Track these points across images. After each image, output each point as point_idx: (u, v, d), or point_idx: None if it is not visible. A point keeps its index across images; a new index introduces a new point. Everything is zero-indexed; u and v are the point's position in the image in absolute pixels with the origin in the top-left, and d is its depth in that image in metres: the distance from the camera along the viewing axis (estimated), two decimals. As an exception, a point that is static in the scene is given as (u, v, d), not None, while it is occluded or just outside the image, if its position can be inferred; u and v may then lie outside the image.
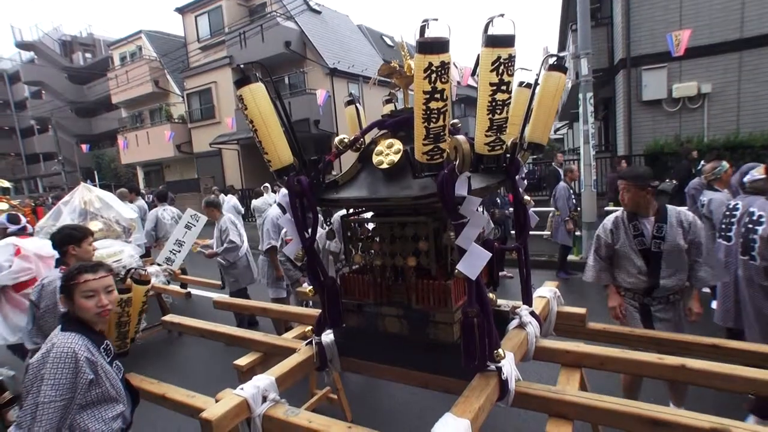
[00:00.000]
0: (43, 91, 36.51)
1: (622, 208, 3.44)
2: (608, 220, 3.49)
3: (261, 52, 19.66)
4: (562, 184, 7.79)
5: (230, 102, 21.34)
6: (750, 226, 3.35)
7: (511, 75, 1.57)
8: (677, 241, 3.17)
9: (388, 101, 2.33)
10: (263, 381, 1.99)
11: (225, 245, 5.84)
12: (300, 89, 20.32)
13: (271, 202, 9.55)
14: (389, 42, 29.90)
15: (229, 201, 12.84)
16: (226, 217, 6.03)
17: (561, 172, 9.12)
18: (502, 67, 1.54)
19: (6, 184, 7.11)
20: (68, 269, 2.07)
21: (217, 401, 1.95)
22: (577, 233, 8.30)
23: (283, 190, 2.00)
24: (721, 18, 10.32)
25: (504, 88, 1.57)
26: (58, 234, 3.33)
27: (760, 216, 3.30)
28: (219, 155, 23.06)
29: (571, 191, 7.66)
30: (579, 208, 8.08)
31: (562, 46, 18.85)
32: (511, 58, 1.54)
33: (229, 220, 6.02)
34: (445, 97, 1.50)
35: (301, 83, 20.64)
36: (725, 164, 4.81)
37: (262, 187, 11.59)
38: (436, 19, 1.48)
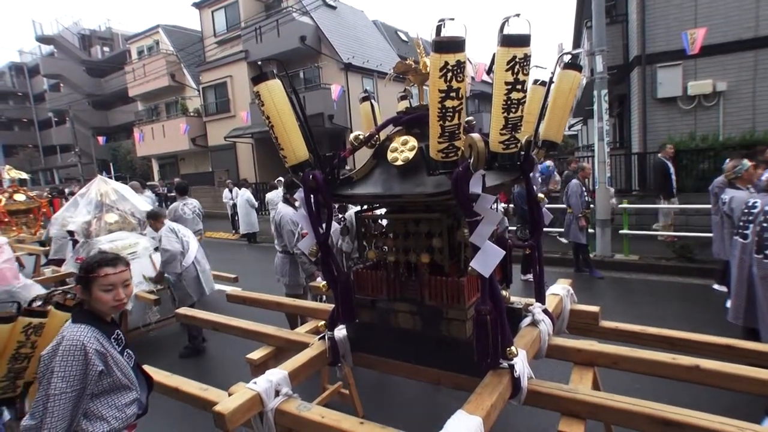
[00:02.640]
0: (62, 84, 36.92)
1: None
2: None
3: (276, 46, 19.72)
4: (574, 181, 7.74)
5: (245, 96, 21.40)
6: (765, 224, 3.31)
7: (527, 74, 1.57)
8: None
9: (403, 98, 2.34)
10: (276, 375, 2.01)
11: (161, 258, 5.20)
12: (315, 84, 20.36)
13: (286, 196, 9.43)
14: (404, 37, 29.79)
15: (243, 194, 12.96)
16: (165, 226, 5.33)
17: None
18: (517, 67, 1.54)
19: (24, 175, 7.22)
20: (87, 261, 2.08)
21: (230, 395, 1.97)
22: (590, 230, 8.23)
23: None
24: (736, 16, 10.19)
25: (519, 87, 1.57)
26: None
27: None
28: (233, 148, 23.18)
29: (584, 188, 7.61)
30: (592, 206, 8.02)
31: (577, 42, 18.65)
32: (526, 58, 1.54)
33: (167, 228, 5.31)
34: (460, 95, 1.51)
35: (316, 78, 20.68)
36: (746, 162, 4.76)
37: (276, 181, 11.64)
38: (453, 19, 1.48)
